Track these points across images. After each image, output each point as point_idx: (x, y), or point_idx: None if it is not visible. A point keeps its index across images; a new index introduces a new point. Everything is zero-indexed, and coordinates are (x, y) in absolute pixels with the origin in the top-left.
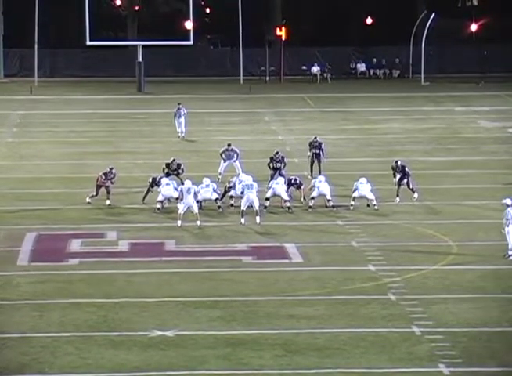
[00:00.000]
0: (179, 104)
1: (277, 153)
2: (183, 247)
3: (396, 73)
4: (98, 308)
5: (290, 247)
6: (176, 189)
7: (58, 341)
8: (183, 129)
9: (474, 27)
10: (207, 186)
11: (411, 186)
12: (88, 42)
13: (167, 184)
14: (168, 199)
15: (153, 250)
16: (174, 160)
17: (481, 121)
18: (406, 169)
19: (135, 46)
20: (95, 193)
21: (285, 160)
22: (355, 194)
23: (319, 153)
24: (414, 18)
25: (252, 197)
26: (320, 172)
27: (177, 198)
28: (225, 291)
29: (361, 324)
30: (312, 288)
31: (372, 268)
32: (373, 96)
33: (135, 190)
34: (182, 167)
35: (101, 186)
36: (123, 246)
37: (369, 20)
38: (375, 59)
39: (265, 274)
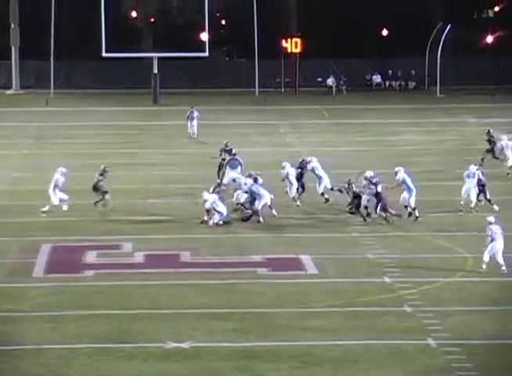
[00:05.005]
0: (192, 107)
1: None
2: (198, 259)
3: (412, 84)
4: (113, 319)
5: (306, 259)
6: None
7: (73, 352)
8: (195, 131)
9: (489, 39)
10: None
11: (488, 197)
12: (104, 54)
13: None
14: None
15: (168, 261)
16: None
17: (496, 132)
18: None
19: (151, 58)
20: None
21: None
22: None
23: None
24: (430, 29)
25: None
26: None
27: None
28: (240, 303)
29: (376, 336)
30: (328, 300)
31: (387, 280)
32: (388, 108)
33: (151, 201)
34: None
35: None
36: (138, 257)
37: (384, 32)
38: (390, 71)
39: (281, 286)
